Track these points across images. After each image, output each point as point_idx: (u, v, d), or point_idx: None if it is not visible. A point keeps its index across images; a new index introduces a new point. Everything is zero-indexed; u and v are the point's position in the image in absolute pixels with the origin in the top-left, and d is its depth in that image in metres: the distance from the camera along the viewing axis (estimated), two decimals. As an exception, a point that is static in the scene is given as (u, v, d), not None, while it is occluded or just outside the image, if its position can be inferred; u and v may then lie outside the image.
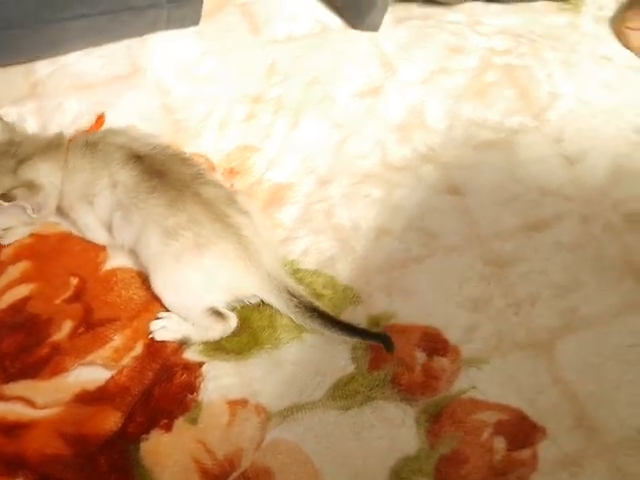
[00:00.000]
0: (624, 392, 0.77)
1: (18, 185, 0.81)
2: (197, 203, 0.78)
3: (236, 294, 0.80)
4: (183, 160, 0.83)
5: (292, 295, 0.78)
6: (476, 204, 0.90)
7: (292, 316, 0.79)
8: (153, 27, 0.98)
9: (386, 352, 0.77)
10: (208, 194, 0.80)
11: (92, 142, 0.84)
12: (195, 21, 1.02)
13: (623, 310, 0.82)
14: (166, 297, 0.80)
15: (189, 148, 0.93)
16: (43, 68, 1.02)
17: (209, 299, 0.79)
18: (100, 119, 0.94)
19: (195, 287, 0.79)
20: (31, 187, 0.81)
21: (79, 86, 0.99)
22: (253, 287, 0.79)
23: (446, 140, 0.95)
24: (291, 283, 0.80)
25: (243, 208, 0.81)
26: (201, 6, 1.01)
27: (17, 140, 0.86)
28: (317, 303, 0.79)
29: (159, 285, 0.79)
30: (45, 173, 0.83)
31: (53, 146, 0.85)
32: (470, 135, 0.95)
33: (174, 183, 0.80)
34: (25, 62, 1.01)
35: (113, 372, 0.79)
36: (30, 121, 0.98)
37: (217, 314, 0.79)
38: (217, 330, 0.80)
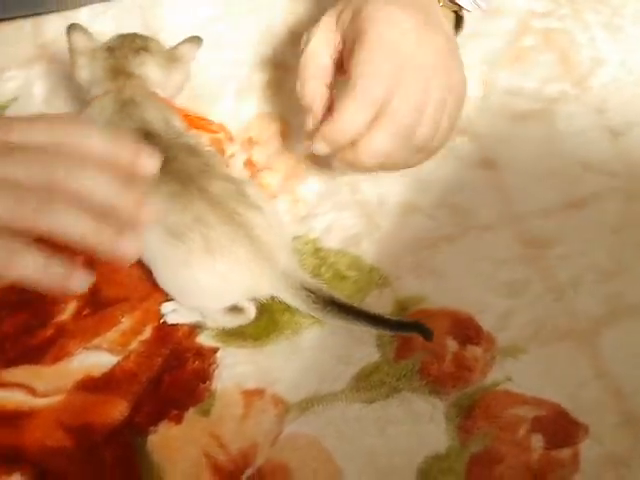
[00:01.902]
0: (674, 387, 0.71)
1: None
2: (203, 200, 0.72)
3: (251, 295, 0.74)
4: (191, 148, 0.76)
5: (310, 291, 0.72)
6: (512, 179, 0.83)
7: (312, 312, 0.73)
8: None
9: (425, 340, 0.71)
10: (216, 189, 0.73)
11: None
12: None
13: (672, 297, 0.76)
14: (177, 297, 0.75)
15: (205, 115, 0.88)
16: (52, 29, 0.96)
17: (224, 301, 0.74)
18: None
19: (209, 292, 0.73)
20: None
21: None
22: (269, 288, 0.73)
23: (481, 110, 0.89)
24: (307, 278, 0.73)
25: (254, 202, 0.74)
26: None
27: None
28: (337, 295, 0.73)
29: (168, 286, 0.74)
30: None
31: None
32: (506, 104, 0.89)
33: (177, 174, 0.73)
34: (31, 16, 0.95)
35: (120, 357, 0.74)
36: (37, 85, 0.92)
37: (234, 309, 0.73)
38: (234, 322, 0.74)
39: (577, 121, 0.87)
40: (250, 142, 0.86)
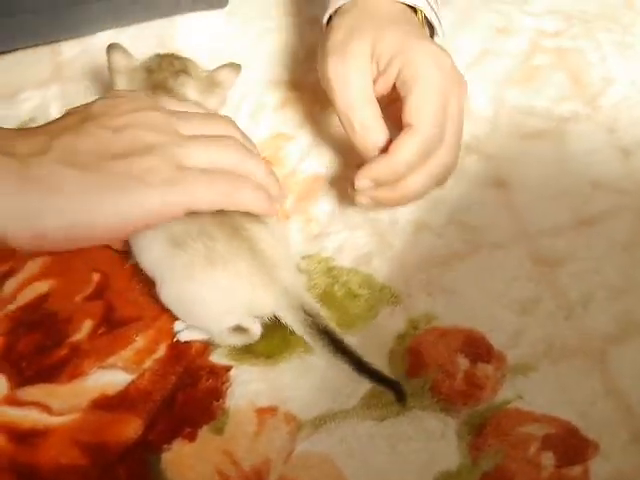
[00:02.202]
0: (684, 404, 0.71)
1: None
2: (209, 211, 0.72)
3: (254, 312, 0.74)
4: None
5: (307, 314, 0.72)
6: (523, 198, 0.84)
7: (305, 336, 0.73)
8: (177, 9, 0.93)
9: (397, 402, 0.71)
10: None
11: None
12: (222, 3, 0.97)
13: (682, 314, 0.76)
14: (179, 314, 0.75)
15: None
16: (69, 50, 0.98)
17: (226, 319, 0.74)
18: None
19: (213, 307, 0.73)
20: None
21: (106, 68, 0.94)
22: (270, 304, 0.73)
23: (492, 129, 0.89)
24: (308, 299, 0.74)
25: (261, 217, 0.74)
26: None
27: None
28: (332, 326, 0.73)
29: (170, 301, 0.74)
30: None
31: None
32: (517, 123, 0.90)
33: None
34: (49, 43, 0.97)
35: (134, 376, 0.74)
36: (53, 106, 0.94)
37: (238, 329, 0.74)
38: (240, 341, 0.75)
39: (588, 140, 0.88)
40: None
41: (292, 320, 0.73)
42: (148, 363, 0.75)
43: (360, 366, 0.71)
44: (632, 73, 0.92)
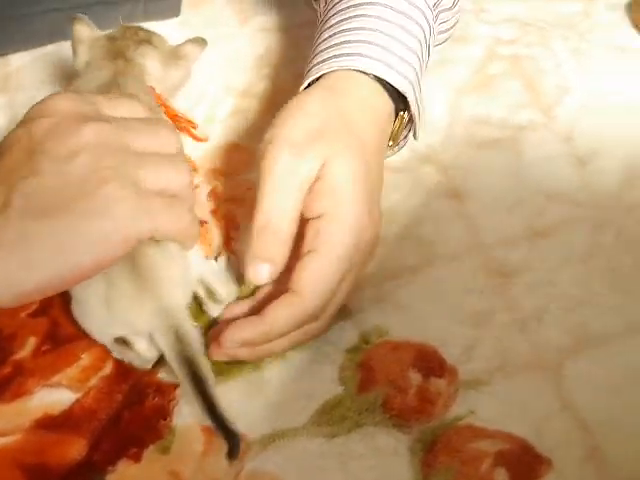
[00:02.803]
0: (638, 419, 0.70)
1: None
2: None
3: (134, 328, 0.71)
4: None
5: (178, 339, 0.69)
6: (478, 209, 0.83)
7: (171, 362, 0.69)
8: (129, 19, 0.91)
9: (228, 457, 0.68)
10: None
11: None
12: (175, 12, 0.96)
13: (638, 326, 0.75)
14: (76, 317, 0.73)
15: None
16: (17, 59, 0.96)
17: (109, 331, 0.71)
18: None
19: (94, 317, 0.71)
20: None
21: (54, 78, 0.92)
22: (146, 323, 0.70)
23: (447, 138, 0.88)
24: (185, 324, 0.70)
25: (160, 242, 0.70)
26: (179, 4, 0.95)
27: None
28: (199, 359, 0.69)
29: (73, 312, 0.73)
30: None
31: None
32: (473, 133, 0.89)
33: None
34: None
35: (79, 394, 0.72)
36: (1, 116, 0.92)
37: (122, 342, 0.72)
38: (136, 361, 0.73)
39: (544, 149, 0.87)
40: (214, 173, 0.86)
41: (163, 343, 0.69)
42: (94, 381, 0.73)
43: (210, 408, 0.68)
44: (588, 81, 0.91)
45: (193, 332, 0.70)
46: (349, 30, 0.77)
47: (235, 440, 0.67)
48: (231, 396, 0.72)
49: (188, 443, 0.70)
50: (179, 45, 0.85)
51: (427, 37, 0.80)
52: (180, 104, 0.88)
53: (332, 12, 0.79)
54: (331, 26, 0.78)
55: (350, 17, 0.77)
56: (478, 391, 0.72)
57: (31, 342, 0.75)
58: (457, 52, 0.93)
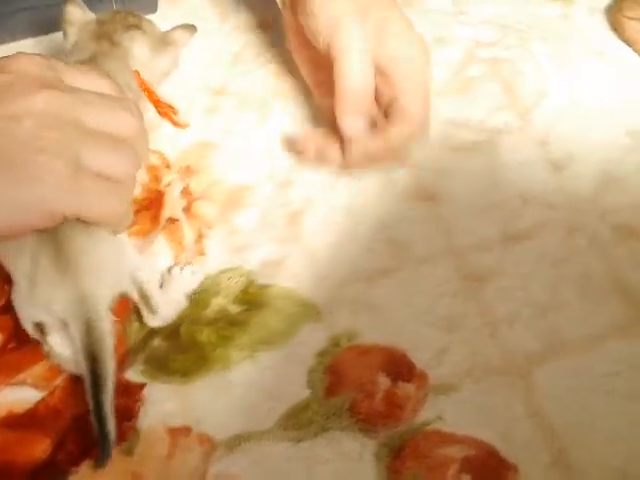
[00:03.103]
0: (605, 426, 0.70)
1: None
2: None
3: (52, 313, 0.69)
4: None
5: (89, 333, 0.67)
6: (451, 212, 0.82)
7: (76, 354, 0.68)
8: None
9: (96, 462, 0.67)
10: None
11: None
12: (153, 9, 0.95)
13: (608, 333, 0.75)
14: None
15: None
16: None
17: (31, 314, 0.70)
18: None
19: (21, 295, 0.69)
20: None
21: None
22: (60, 308, 0.68)
23: (423, 140, 0.87)
24: (100, 320, 0.68)
25: (90, 229, 0.68)
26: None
27: None
28: (102, 360, 0.67)
29: None
30: None
31: None
32: (449, 135, 0.88)
33: None
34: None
35: (44, 393, 0.72)
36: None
37: (42, 330, 0.70)
38: (51, 350, 0.71)
39: (520, 153, 0.86)
40: (188, 170, 0.85)
41: (73, 332, 0.68)
42: (59, 380, 0.72)
43: (97, 408, 0.66)
44: (567, 85, 0.91)
45: (106, 327, 0.68)
46: None
47: (106, 449, 0.66)
48: (198, 397, 0.71)
49: (152, 445, 0.69)
50: (168, 31, 0.84)
51: None
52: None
53: None
54: None
55: None
56: (447, 396, 0.71)
57: (-3, 340, 0.74)
58: (436, 54, 0.92)
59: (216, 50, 0.94)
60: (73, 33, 0.83)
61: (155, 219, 0.81)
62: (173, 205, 0.82)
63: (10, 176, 0.61)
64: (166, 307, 0.74)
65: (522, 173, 0.85)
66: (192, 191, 0.84)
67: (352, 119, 0.79)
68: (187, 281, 0.77)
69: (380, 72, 0.79)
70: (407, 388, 0.72)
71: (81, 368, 0.68)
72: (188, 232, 0.81)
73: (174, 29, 0.85)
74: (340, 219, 0.81)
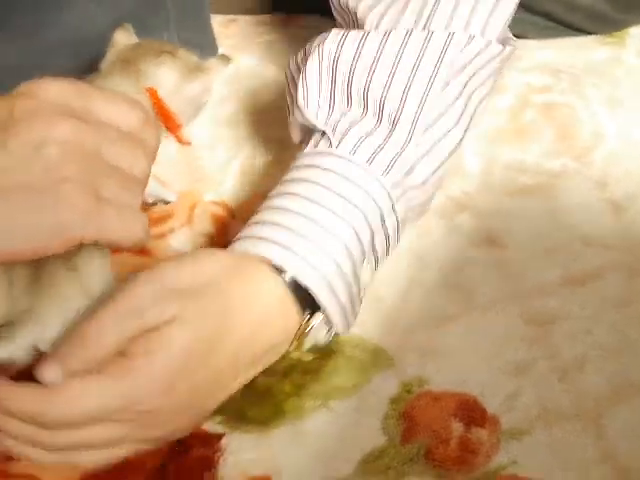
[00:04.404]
0: (680, 468, 0.70)
1: None
2: None
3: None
4: None
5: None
6: (514, 256, 0.84)
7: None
8: None
9: None
10: None
11: None
12: (213, 51, 0.96)
13: (677, 375, 0.75)
14: None
15: (209, 196, 0.89)
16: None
17: None
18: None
19: None
20: None
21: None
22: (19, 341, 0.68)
23: (482, 186, 0.89)
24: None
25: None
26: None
27: None
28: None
29: None
30: None
31: None
32: (507, 179, 0.90)
33: None
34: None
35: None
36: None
37: None
38: None
39: (579, 195, 0.88)
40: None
41: None
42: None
43: None
44: (622, 128, 0.92)
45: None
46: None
47: None
48: (275, 446, 0.73)
49: (234, 494, 0.71)
50: (203, 60, 0.85)
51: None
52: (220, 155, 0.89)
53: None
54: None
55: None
56: (520, 441, 0.72)
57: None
58: (490, 100, 0.94)
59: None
60: (111, 54, 0.84)
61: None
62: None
63: (34, 202, 0.61)
64: None
65: (582, 215, 0.86)
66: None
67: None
68: None
69: None
70: (480, 433, 0.73)
71: None
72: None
73: (210, 59, 0.85)
74: (405, 264, 0.83)
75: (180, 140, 0.86)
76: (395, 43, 0.76)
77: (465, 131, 0.78)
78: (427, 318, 0.80)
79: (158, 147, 0.69)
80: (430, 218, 0.86)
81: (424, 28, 0.76)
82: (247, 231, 0.74)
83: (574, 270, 0.83)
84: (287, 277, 0.70)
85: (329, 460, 0.72)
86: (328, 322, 0.73)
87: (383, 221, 0.75)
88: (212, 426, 0.74)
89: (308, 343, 0.76)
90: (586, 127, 0.93)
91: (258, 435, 0.74)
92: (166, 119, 0.83)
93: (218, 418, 0.75)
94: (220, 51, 0.99)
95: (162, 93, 0.82)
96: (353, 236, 0.73)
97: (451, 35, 0.75)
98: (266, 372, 0.75)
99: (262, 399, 0.75)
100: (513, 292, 0.81)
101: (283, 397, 0.75)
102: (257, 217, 0.74)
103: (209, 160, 0.91)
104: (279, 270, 0.70)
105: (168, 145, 0.90)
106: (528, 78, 0.97)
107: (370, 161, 0.74)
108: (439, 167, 0.77)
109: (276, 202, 0.74)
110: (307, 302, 0.72)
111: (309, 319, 0.73)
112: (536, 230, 0.86)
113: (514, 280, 0.82)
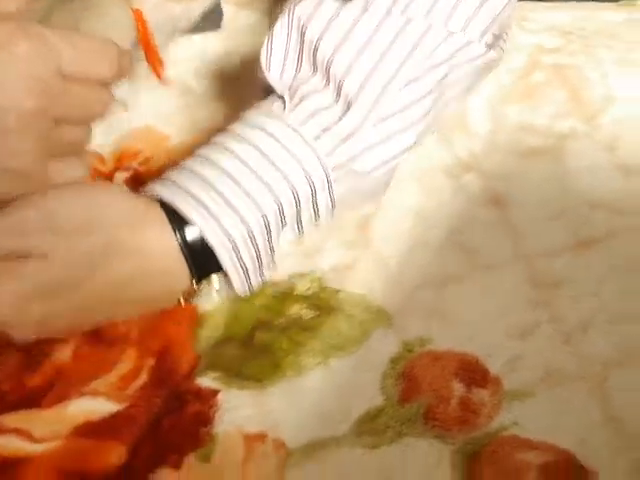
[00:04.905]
0: (686, 432, 0.69)
1: None
2: None
3: None
4: None
5: None
6: (521, 218, 0.82)
7: None
8: None
9: None
10: None
11: None
12: (217, 25, 0.95)
13: (685, 339, 0.74)
14: None
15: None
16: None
17: None
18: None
19: None
20: None
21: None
22: None
23: (489, 146, 0.87)
24: None
25: None
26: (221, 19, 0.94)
27: None
28: None
29: None
30: None
31: None
32: (515, 141, 0.88)
33: None
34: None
35: (119, 400, 0.72)
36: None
37: None
38: None
39: (587, 158, 0.86)
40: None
41: None
42: (133, 386, 0.72)
43: None
44: (633, 91, 0.90)
45: None
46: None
47: None
48: (273, 403, 0.72)
49: (229, 451, 0.69)
50: None
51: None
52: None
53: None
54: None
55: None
56: (522, 402, 0.71)
57: (71, 343, 0.74)
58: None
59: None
60: None
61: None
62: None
63: None
64: None
65: (590, 178, 0.84)
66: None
67: None
68: None
69: None
70: (482, 394, 0.71)
71: None
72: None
73: None
74: (410, 223, 0.81)
75: (156, 71, 0.84)
76: (371, 22, 0.73)
77: (425, 132, 0.75)
78: (432, 278, 0.78)
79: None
80: (436, 178, 0.84)
81: (402, 14, 0.73)
82: (170, 173, 0.71)
83: (581, 234, 0.81)
84: (192, 232, 0.68)
85: (326, 418, 0.71)
86: (225, 282, 0.71)
87: (315, 202, 0.72)
88: (208, 382, 0.73)
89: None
90: (597, 89, 0.90)
91: (254, 392, 0.72)
92: (147, 46, 0.80)
93: (214, 374, 0.73)
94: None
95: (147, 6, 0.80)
96: (276, 210, 0.70)
97: (430, 27, 0.73)
98: (264, 328, 0.74)
99: (259, 356, 0.73)
100: (519, 254, 0.80)
101: (281, 354, 0.74)
102: (187, 162, 0.71)
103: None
104: (182, 221, 0.68)
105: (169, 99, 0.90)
106: (538, 39, 0.94)
107: (317, 137, 0.71)
108: (390, 160, 0.74)
109: (211, 153, 0.71)
110: (203, 258, 0.69)
111: (199, 282, 0.70)
112: (543, 192, 0.84)
113: (520, 242, 0.80)
